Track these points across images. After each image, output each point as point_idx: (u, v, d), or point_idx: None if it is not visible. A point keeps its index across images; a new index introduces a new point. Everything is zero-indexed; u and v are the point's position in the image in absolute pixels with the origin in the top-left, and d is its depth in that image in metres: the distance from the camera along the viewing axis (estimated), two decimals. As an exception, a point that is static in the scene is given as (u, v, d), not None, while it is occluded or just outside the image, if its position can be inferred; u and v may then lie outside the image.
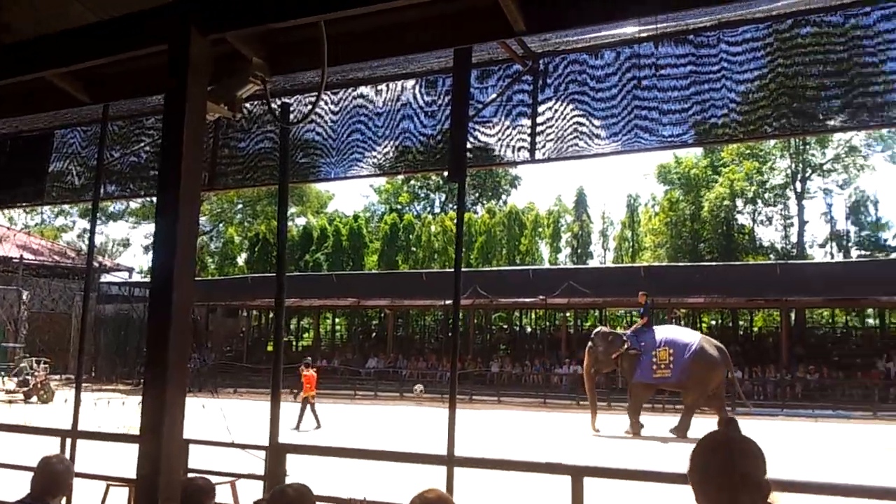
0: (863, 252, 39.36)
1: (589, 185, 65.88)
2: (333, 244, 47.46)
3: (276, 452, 5.12)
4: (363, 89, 6.12)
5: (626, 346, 17.81)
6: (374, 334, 43.16)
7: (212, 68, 3.19)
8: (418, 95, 5.99)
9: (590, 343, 18.95)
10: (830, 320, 38.05)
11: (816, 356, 29.87)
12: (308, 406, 17.47)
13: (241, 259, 54.58)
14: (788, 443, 15.70)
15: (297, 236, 50.36)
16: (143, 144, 6.86)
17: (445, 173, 5.47)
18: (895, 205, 70.07)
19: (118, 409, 19.02)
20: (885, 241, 40.28)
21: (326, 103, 6.22)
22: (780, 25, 5.08)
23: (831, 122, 5.31)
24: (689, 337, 17.89)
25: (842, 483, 3.94)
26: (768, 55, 5.08)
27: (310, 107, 5.76)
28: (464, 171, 4.82)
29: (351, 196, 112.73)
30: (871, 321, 36.34)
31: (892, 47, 4.96)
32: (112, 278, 40.32)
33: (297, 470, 5.45)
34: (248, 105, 6.24)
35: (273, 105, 5.53)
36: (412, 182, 53.74)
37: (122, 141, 7.02)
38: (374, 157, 6.05)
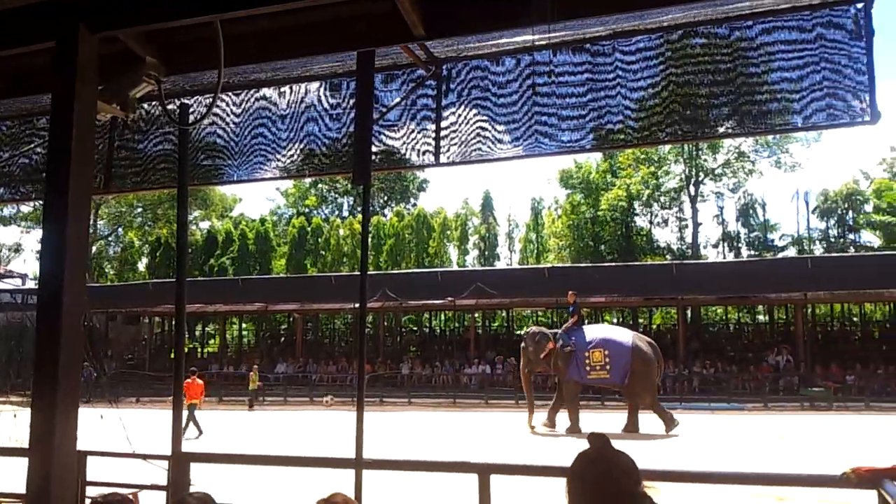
0: (752, 252, 41.52)
1: (495, 189, 66.77)
2: (239, 248, 46.42)
3: (179, 462, 4.99)
4: (266, 91, 6.03)
5: (559, 344, 17.68)
6: (282, 339, 42.41)
7: (102, 67, 3.09)
8: (323, 98, 5.95)
9: (522, 343, 18.90)
10: (724, 317, 39.95)
11: (711, 351, 31.33)
12: (190, 414, 17.27)
13: (141, 264, 52.65)
14: (687, 435, 16.42)
15: (202, 240, 48.98)
16: (34, 145, 6.54)
17: (351, 176, 5.47)
18: (781, 207, 74.35)
19: (10, 422, 17.99)
20: (773, 241, 42.64)
21: (228, 104, 6.09)
22: (672, 36, 5.32)
23: (720, 129, 5.59)
24: (623, 336, 17.98)
25: (717, 471, 4.17)
26: (661, 64, 5.31)
27: (212, 108, 5.64)
28: (368, 175, 4.83)
29: (257, 199, 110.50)
30: (761, 317, 38.33)
31: (773, 59, 5.27)
32: (4, 285, 38.18)
33: (203, 479, 5.32)
34: (145, 105, 6.05)
35: (172, 105, 5.38)
36: (320, 185, 53.19)
37: (11, 142, 6.66)
38: (279, 159, 5.97)
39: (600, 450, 1.80)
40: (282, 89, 5.97)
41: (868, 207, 40.28)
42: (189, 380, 17.83)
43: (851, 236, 40.96)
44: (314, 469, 6.00)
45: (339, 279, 33.42)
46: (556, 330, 18.98)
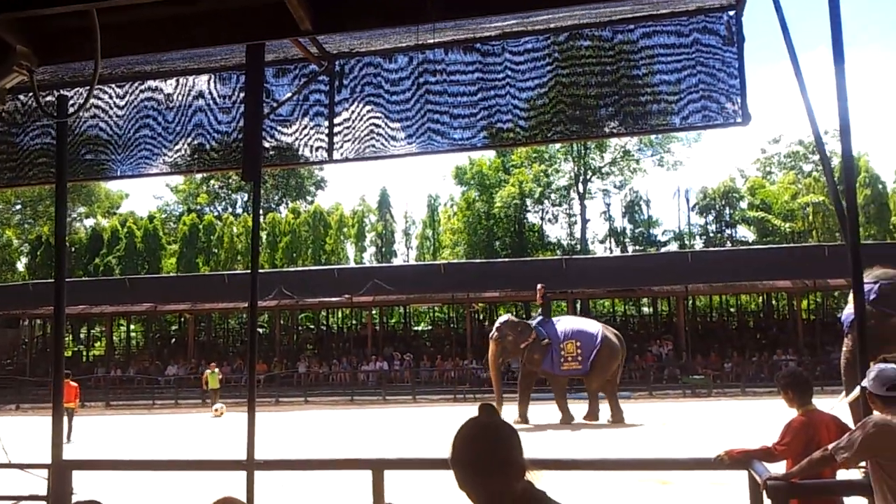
0: (637, 247, 43.32)
1: (392, 186, 66.80)
2: (126, 246, 44.40)
3: (60, 470, 4.77)
4: (152, 83, 5.82)
5: (534, 336, 17.58)
6: (173, 340, 40.93)
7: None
8: (212, 91, 5.80)
9: (495, 333, 18.05)
10: (611, 309, 41.50)
11: (600, 342, 32.43)
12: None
13: (21, 264, 49.60)
14: (575, 423, 16.98)
15: (86, 238, 46.61)
16: None
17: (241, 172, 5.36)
18: (664, 204, 78.03)
19: None
20: (656, 236, 44.64)
21: (112, 97, 5.85)
22: (558, 38, 5.49)
23: (605, 129, 5.81)
24: (593, 327, 18.15)
25: (603, 458, 4.36)
26: (548, 65, 5.47)
27: (90, 100, 5.39)
28: (259, 171, 4.75)
29: (146, 196, 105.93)
30: (646, 309, 40.04)
31: (653, 62, 5.53)
32: None
33: (87, 487, 5.10)
34: (21, 97, 5.73)
35: (50, 97, 5.12)
36: (212, 181, 51.60)
37: None
38: (166, 154, 5.78)
39: (491, 417, 1.83)
40: (168, 81, 5.78)
41: (743, 204, 42.77)
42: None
43: (728, 231, 43.39)
44: (207, 472, 5.87)
45: (232, 278, 32.54)
46: (530, 321, 18.86)
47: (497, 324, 18.46)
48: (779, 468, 4.35)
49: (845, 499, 4.57)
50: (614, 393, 17.87)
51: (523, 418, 17.26)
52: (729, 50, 5.34)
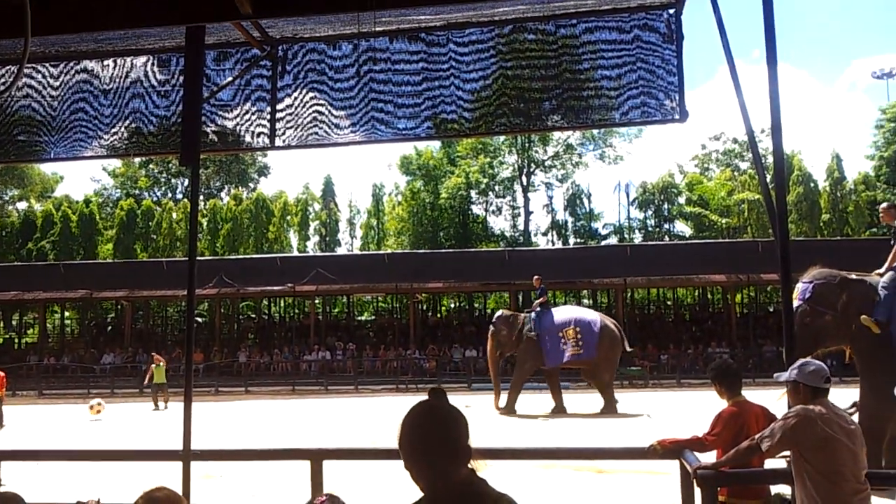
0: (578, 240, 43.97)
1: (337, 174, 66.28)
2: (61, 231, 42.98)
3: (-19, 461, 4.62)
4: (88, 63, 5.67)
5: (526, 329, 17.58)
6: (109, 328, 39.87)
7: None
8: (150, 74, 5.67)
9: (492, 327, 18.38)
10: (553, 301, 42.01)
11: (541, 334, 32.86)
12: None
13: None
14: (516, 414, 17.18)
15: (18, 222, 45.00)
16: None
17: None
18: (605, 198, 79.29)
19: None
20: (597, 230, 45.36)
21: (46, 76, 5.68)
22: (503, 30, 5.53)
23: (548, 122, 5.88)
24: (592, 315, 18.10)
25: (541, 447, 4.45)
26: (493, 57, 5.50)
27: (20, 79, 5.22)
28: (197, 156, 4.65)
29: (82, 179, 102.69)
30: (586, 301, 40.67)
31: (596, 57, 5.61)
32: None
33: (15, 479, 4.96)
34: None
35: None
36: (151, 166, 50.30)
37: None
38: (103, 137, 5.64)
39: (439, 401, 1.86)
40: (105, 62, 5.64)
41: (681, 199, 43.79)
42: None
43: (666, 226, 44.38)
44: (143, 463, 5.75)
45: (171, 265, 31.86)
46: (525, 313, 18.80)
47: (494, 318, 18.86)
48: (710, 458, 4.49)
49: (771, 486, 4.75)
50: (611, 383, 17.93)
51: (510, 409, 17.40)
52: (668, 47, 5.45)
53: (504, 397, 17.76)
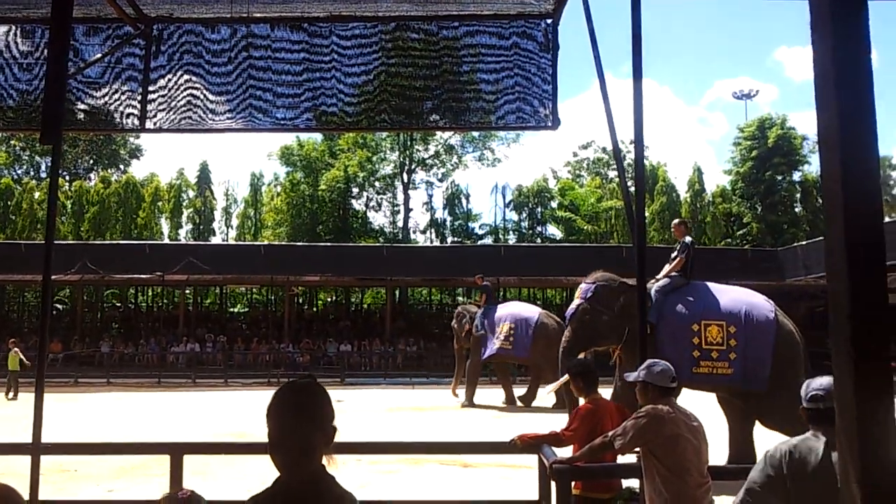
0: (455, 238, 44.61)
1: (213, 161, 63.88)
2: None
3: None
4: (-61, 28, 5.29)
5: (472, 326, 17.83)
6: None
7: None
8: (12, 44, 5.36)
9: (452, 322, 19.17)
10: (428, 297, 42.50)
11: (415, 330, 33.20)
12: None
13: None
14: (391, 408, 17.27)
15: None
16: None
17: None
18: (482, 199, 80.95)
19: None
20: (474, 229, 46.19)
21: None
22: (387, 27, 5.58)
23: (428, 121, 5.99)
24: (529, 311, 18.05)
25: (406, 441, 4.54)
26: (376, 53, 5.54)
27: None
28: (59, 134, 4.43)
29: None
30: (461, 298, 41.34)
31: (476, 60, 5.76)
32: None
33: None
34: None
35: None
36: (12, 142, 46.72)
37: None
38: (-46, 109, 5.29)
39: (309, 381, 1.87)
40: (-40, 29, 5.27)
41: (554, 204, 45.27)
42: None
43: (539, 229, 45.73)
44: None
45: (30, 248, 29.77)
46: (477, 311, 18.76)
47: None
48: (567, 452, 4.71)
49: (623, 480, 5.03)
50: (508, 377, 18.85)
51: (470, 402, 17.77)
52: (545, 56, 5.68)
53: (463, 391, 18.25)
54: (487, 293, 19.23)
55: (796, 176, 40.93)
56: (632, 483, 4.76)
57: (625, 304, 9.00)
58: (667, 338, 8.55)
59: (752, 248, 35.15)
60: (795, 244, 31.86)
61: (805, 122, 64.47)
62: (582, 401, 5.13)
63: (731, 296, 9.01)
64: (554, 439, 4.82)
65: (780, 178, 40.14)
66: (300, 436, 1.77)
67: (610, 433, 4.11)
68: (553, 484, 4.41)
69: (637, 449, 4.05)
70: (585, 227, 42.12)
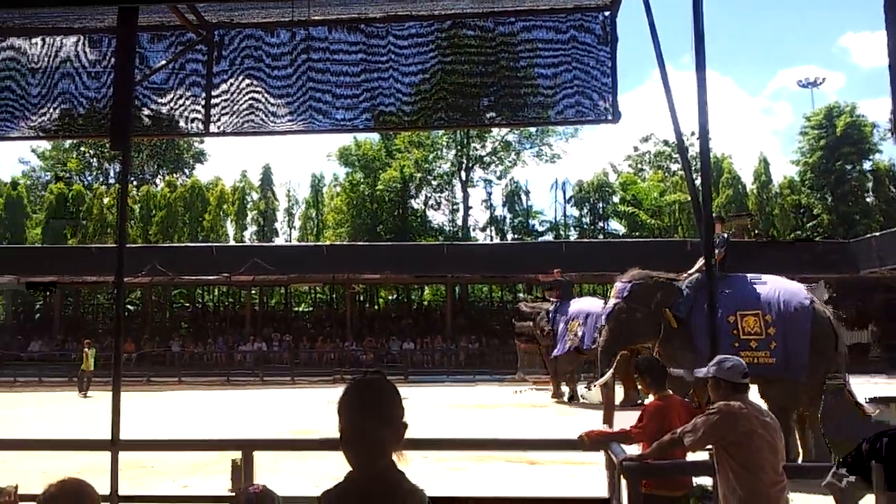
0: (516, 236, 44.40)
1: (275, 163, 65.16)
2: (-12, 213, 41.28)
3: None
4: (15, 40, 5.51)
5: (543, 322, 18.06)
6: (37, 315, 38.45)
7: None
8: (81, 54, 5.54)
9: (527, 322, 19.31)
10: (489, 295, 42.44)
11: (477, 327, 33.19)
12: None
13: None
14: (455, 405, 17.30)
15: (-60, 204, 43.03)
16: None
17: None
18: (542, 195, 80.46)
19: None
20: (534, 226, 45.91)
21: (-33, 52, 5.49)
22: (443, 25, 5.58)
23: (485, 118, 5.96)
24: (597, 305, 17.62)
25: (474, 438, 4.54)
26: (432, 52, 5.54)
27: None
28: (128, 139, 4.57)
29: (9, 160, 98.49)
30: (521, 295, 41.13)
31: (533, 55, 5.71)
32: None
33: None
34: None
35: None
36: (82, 148, 48.53)
37: None
38: (30, 118, 5.49)
39: (378, 378, 1.88)
40: (34, 40, 5.49)
41: (616, 199, 44.64)
42: None
43: (601, 224, 45.15)
44: (72, 453, 5.62)
45: (101, 251, 30.91)
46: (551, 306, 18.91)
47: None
48: (636, 450, 4.63)
49: (694, 478, 4.92)
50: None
51: (557, 396, 17.88)
52: (603, 49, 5.59)
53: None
54: (562, 288, 19.04)
55: (867, 165, 39.48)
56: (703, 481, 4.65)
57: (660, 302, 9.09)
58: (701, 332, 8.51)
59: (822, 240, 34.00)
60: (869, 235, 30.63)
61: (875, 110, 62.26)
62: (651, 397, 5.04)
63: (767, 286, 8.97)
64: (622, 436, 4.76)
65: (849, 167, 38.75)
66: (370, 432, 1.79)
67: (679, 430, 4.02)
68: (623, 481, 4.34)
69: (709, 446, 3.95)
70: (649, 222, 41.41)
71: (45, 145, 47.29)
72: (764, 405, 4.02)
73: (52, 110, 5.50)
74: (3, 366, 28.18)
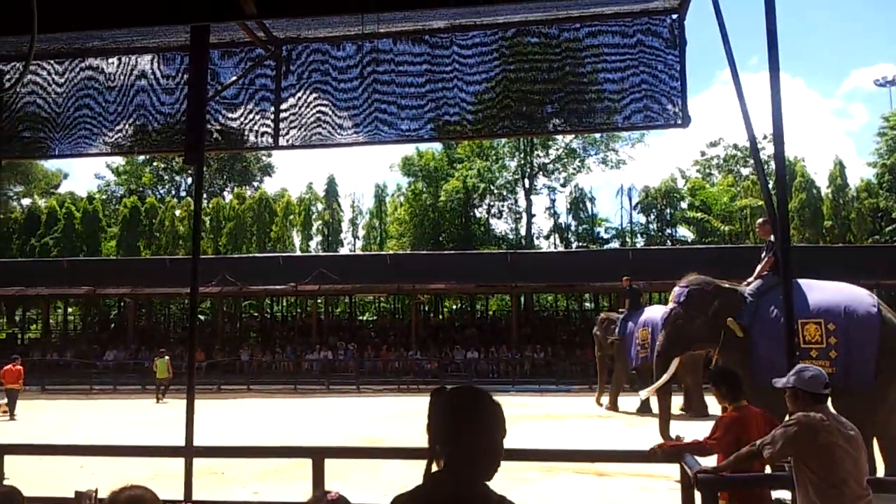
0: (580, 243, 43.92)
1: (340, 174, 66.18)
2: (65, 228, 43.09)
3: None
4: (93, 60, 5.71)
5: (613, 331, 17.99)
6: (113, 325, 39.93)
7: None
8: (156, 71, 5.71)
9: (595, 329, 19.34)
10: (554, 304, 42.04)
11: (542, 336, 32.90)
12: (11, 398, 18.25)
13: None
14: (523, 416, 17.17)
15: (22, 218, 45.10)
16: None
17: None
18: (607, 202, 79.49)
19: None
20: (599, 234, 45.33)
21: (51, 73, 5.72)
22: (507, 33, 5.55)
23: (550, 125, 5.90)
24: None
25: (543, 448, 4.46)
26: (496, 60, 5.52)
27: (25, 76, 5.26)
28: (201, 154, 4.69)
29: (86, 175, 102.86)
30: (588, 304, 40.64)
31: (599, 61, 5.62)
32: None
33: (18, 473, 4.99)
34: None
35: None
36: (155, 163, 50.36)
37: None
38: (107, 134, 5.68)
39: (476, 387, 1.90)
40: (110, 60, 5.68)
41: (684, 205, 43.72)
42: (10, 365, 18.76)
43: (669, 230, 44.29)
44: (146, 459, 5.77)
45: (173, 262, 31.93)
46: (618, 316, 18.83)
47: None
48: (711, 462, 4.49)
49: (772, 491, 4.74)
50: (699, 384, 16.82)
51: (614, 406, 17.75)
52: (671, 52, 5.46)
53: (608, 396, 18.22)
54: (632, 297, 18.55)
55: (949, 165, 37.66)
56: (782, 494, 4.49)
57: (719, 307, 8.85)
58: (763, 339, 8.25)
59: (903, 245, 32.59)
60: (953, 239, 29.20)
61: (960, 107, 59.30)
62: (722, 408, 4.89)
63: (830, 292, 8.53)
64: (697, 448, 4.64)
65: (931, 169, 37.06)
66: (479, 442, 1.80)
67: (758, 442, 3.88)
68: (697, 494, 4.22)
69: (788, 459, 3.80)
70: (720, 228, 40.42)
71: (119, 161, 49.31)
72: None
73: (127, 127, 5.67)
74: (80, 374, 29.31)
